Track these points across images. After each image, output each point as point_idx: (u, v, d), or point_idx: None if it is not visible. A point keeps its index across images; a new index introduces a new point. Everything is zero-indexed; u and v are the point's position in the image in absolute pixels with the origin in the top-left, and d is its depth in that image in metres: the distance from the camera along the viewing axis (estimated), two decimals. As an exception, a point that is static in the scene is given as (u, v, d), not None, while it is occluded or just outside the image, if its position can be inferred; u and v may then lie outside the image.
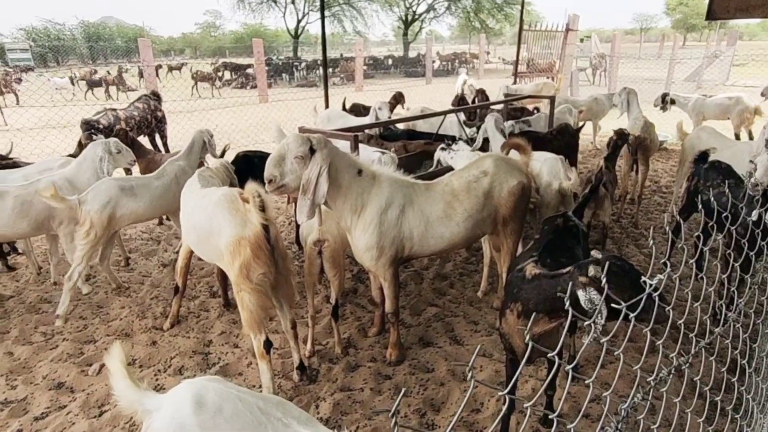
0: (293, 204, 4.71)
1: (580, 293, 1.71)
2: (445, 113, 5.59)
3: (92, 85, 19.44)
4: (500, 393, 0.94)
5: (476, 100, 7.93)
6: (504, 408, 0.96)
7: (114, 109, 6.88)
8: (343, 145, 4.12)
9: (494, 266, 3.94)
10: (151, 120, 7.60)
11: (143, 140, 6.76)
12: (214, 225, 2.80)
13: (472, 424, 2.67)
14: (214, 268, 4.63)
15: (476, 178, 3.14)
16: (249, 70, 24.41)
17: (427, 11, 36.64)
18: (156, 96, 7.92)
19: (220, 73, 22.00)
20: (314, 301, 3.22)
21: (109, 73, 21.15)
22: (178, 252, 3.83)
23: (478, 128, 5.95)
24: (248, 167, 4.30)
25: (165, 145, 8.02)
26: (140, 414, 1.54)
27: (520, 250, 3.47)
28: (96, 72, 21.59)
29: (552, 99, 6.30)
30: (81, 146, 5.32)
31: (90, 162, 4.18)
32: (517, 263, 2.41)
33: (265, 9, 35.34)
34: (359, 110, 7.64)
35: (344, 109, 7.57)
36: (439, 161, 4.47)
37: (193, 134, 4.61)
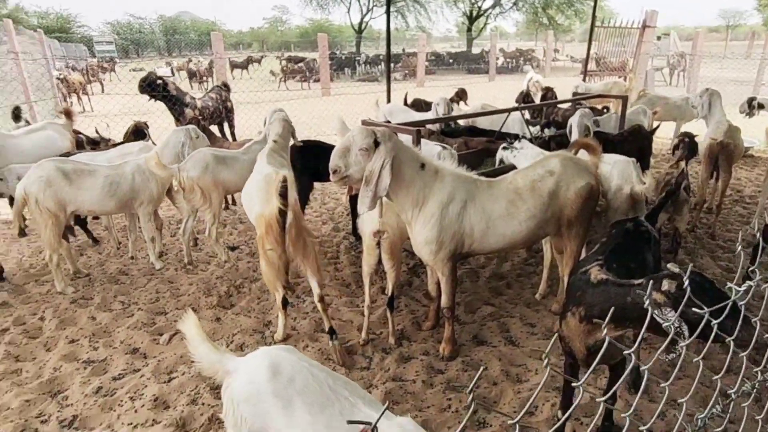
0: (351, 196, 4.85)
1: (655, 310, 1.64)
2: (508, 111, 5.48)
3: (191, 75, 20.59)
4: (574, 383, 0.93)
5: (546, 97, 7.70)
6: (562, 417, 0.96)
7: (193, 98, 7.32)
8: (405, 140, 4.16)
9: (554, 269, 3.84)
10: (222, 110, 7.98)
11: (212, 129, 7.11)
12: (252, 197, 3.30)
13: (525, 428, 2.64)
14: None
15: (541, 177, 3.07)
16: (302, 63, 24.97)
17: (493, 7, 35.91)
18: (226, 87, 8.30)
19: (291, 66, 22.54)
20: (371, 291, 3.28)
21: (198, 62, 22.37)
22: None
23: (543, 126, 5.80)
24: (306, 156, 4.48)
25: (232, 134, 8.39)
26: (221, 374, 1.65)
27: (583, 254, 3.37)
28: (191, 61, 22.81)
29: (624, 99, 6.00)
30: (127, 137, 5.77)
31: (172, 147, 4.48)
32: (581, 266, 2.34)
33: (331, 4, 35.98)
34: (420, 105, 7.64)
35: (405, 104, 7.60)
36: (501, 160, 4.41)
37: (275, 116, 4.66)
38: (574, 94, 6.97)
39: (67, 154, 4.70)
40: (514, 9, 36.14)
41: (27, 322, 3.74)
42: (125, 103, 12.20)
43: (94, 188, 4.00)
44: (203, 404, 2.83)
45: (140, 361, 3.27)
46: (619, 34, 12.76)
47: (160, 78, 6.82)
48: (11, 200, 4.44)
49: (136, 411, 2.82)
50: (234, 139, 8.07)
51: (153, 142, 5.99)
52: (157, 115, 8.93)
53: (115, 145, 5.36)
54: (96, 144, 5.62)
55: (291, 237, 3.03)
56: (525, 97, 7.68)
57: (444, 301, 3.08)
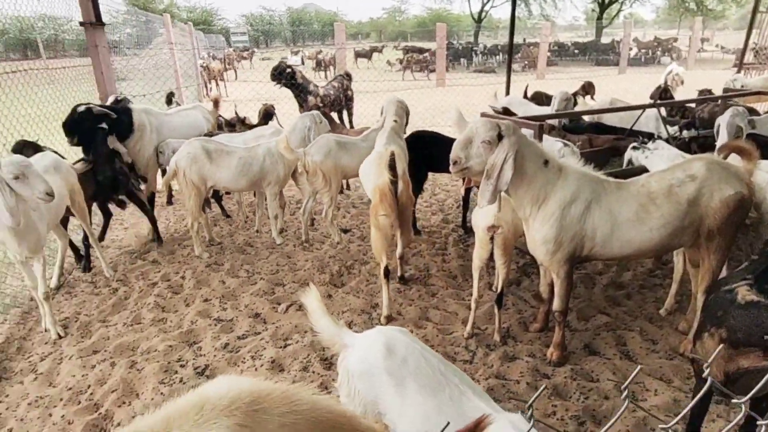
0: (464, 189, 4.84)
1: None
2: (642, 107, 5.01)
3: (318, 64, 21.93)
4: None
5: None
6: None
7: (316, 86, 7.79)
8: (526, 134, 4.02)
9: (685, 283, 3.49)
10: (342, 98, 8.37)
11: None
12: (369, 172, 3.71)
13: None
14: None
15: (681, 182, 2.79)
16: (425, 55, 25.02)
17: (631, -8, 32.81)
18: (348, 76, 8.67)
19: (414, 56, 22.79)
20: (479, 285, 3.26)
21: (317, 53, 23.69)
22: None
23: (683, 127, 5.22)
24: (421, 145, 4.56)
25: (351, 121, 8.76)
26: (337, 346, 1.77)
27: (724, 271, 3.01)
28: (321, 52, 24.25)
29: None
30: (260, 119, 6.29)
31: (299, 131, 4.83)
32: (722, 284, 2.10)
33: (453, -7, 35.55)
34: (541, 99, 7.30)
35: (525, 96, 7.31)
36: (630, 161, 4.07)
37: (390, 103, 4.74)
38: (726, 90, 6.17)
39: (209, 134, 5.28)
40: (656, -6, 32.62)
41: (171, 279, 4.30)
42: (257, 90, 13.35)
43: (230, 167, 4.46)
44: (314, 372, 3.05)
45: (261, 326, 3.61)
46: (787, 20, 10.98)
47: (289, 67, 7.37)
48: (164, 171, 5.11)
49: (256, 369, 3.12)
50: (351, 127, 8.44)
51: (279, 125, 6.50)
52: (284, 102, 9.62)
53: (251, 127, 5.91)
54: (233, 126, 6.22)
55: (401, 203, 3.46)
56: (663, 93, 6.95)
57: (557, 304, 2.96)
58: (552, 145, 4.08)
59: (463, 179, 3.07)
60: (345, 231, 5.22)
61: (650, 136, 4.49)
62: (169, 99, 7.07)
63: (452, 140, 2.82)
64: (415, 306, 3.76)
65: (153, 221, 4.98)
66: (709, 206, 2.77)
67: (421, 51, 26.27)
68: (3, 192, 2.95)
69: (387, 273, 3.55)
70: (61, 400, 2.92)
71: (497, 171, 2.60)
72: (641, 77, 17.99)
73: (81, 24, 5.43)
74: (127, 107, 4.92)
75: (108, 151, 4.52)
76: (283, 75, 7.30)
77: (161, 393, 2.95)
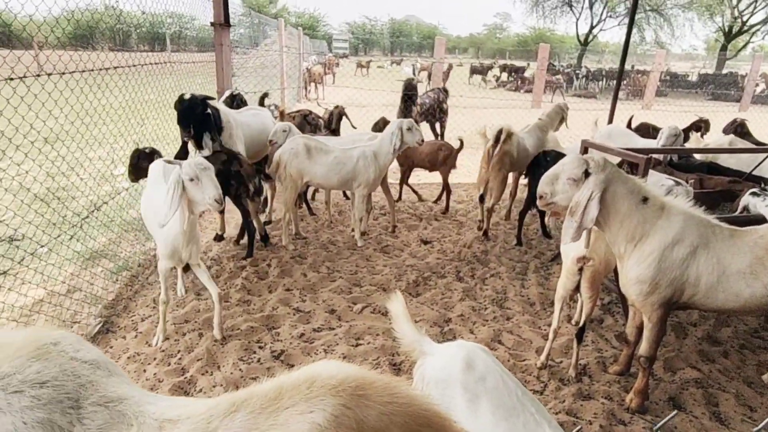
0: (521, 212, 5.29)
1: None
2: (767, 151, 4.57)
3: (430, 76, 22.14)
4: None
5: None
6: None
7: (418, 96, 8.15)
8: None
9: (798, 351, 3.12)
10: (437, 110, 8.46)
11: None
12: None
13: None
14: (462, 254, 4.96)
15: (808, 237, 2.52)
16: (526, 74, 24.50)
17: (765, 22, 29.80)
18: (445, 91, 8.75)
19: (517, 75, 22.55)
20: (560, 315, 3.15)
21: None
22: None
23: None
24: (547, 163, 4.69)
25: (442, 134, 8.82)
26: (416, 353, 1.82)
27: None
28: (433, 64, 24.68)
29: None
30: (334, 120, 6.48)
31: (388, 137, 4.96)
32: None
33: (558, 14, 34.53)
34: (647, 131, 6.88)
35: (629, 127, 6.93)
36: (746, 207, 3.73)
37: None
38: None
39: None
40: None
41: (258, 266, 4.60)
42: (350, 95, 13.88)
43: (325, 164, 4.69)
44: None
45: (336, 321, 3.75)
46: None
47: (415, 82, 7.72)
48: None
49: (327, 362, 3.25)
50: (442, 139, 8.49)
51: (352, 125, 6.73)
52: (375, 108, 9.91)
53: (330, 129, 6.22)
54: (333, 132, 6.47)
55: (494, 162, 5.00)
56: (738, 127, 6.26)
57: (644, 348, 2.78)
58: (660, 182, 3.86)
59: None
60: (426, 242, 5.26)
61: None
62: (262, 100, 7.22)
63: None
64: (488, 327, 3.70)
65: (249, 233, 4.72)
66: (839, 269, 2.47)
67: (518, 70, 25.81)
68: (176, 193, 2.88)
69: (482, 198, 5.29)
70: (155, 359, 3.24)
71: (582, 209, 2.54)
72: (767, 116, 16.26)
73: (211, 24, 5.99)
74: (209, 96, 4.68)
75: (220, 144, 4.54)
76: (413, 90, 7.72)
77: (240, 369, 3.17)
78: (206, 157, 4.22)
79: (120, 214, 4.73)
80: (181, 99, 4.34)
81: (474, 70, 25.08)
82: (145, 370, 3.13)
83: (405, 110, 7.83)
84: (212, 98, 4.56)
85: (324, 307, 3.92)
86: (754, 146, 4.81)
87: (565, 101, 7.70)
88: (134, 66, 4.59)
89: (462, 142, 6.09)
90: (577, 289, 3.03)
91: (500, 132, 4.98)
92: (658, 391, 3.10)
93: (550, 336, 3.20)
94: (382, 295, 4.08)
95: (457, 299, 4.10)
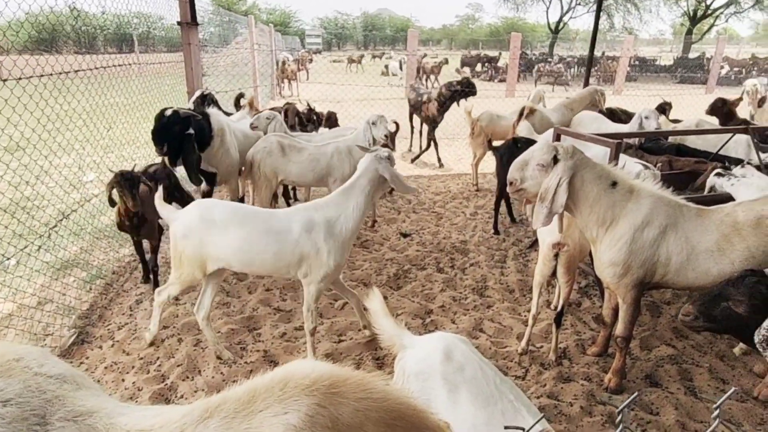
0: (497, 197, 5.39)
1: None
2: (732, 131, 4.70)
3: (418, 71, 21.78)
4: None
5: None
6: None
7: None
8: (602, 152, 3.90)
9: (766, 323, 3.23)
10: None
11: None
12: None
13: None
14: (441, 244, 4.99)
15: (773, 213, 2.60)
16: (500, 63, 24.67)
17: (726, 5, 30.57)
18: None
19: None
20: (538, 301, 3.19)
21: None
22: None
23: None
24: (519, 150, 4.62)
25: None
26: (397, 346, 1.82)
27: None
28: (426, 56, 24.43)
29: None
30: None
31: (361, 132, 4.95)
32: None
33: (530, 2, 34.84)
34: (618, 115, 7.00)
35: (601, 112, 7.04)
36: (712, 187, 3.83)
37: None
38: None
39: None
40: (757, 8, 30.21)
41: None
42: (323, 91, 13.78)
43: (299, 162, 4.64)
44: (365, 369, 3.12)
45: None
46: None
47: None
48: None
49: (310, 360, 3.24)
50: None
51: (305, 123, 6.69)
52: (349, 104, 9.87)
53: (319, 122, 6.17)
54: (305, 126, 6.42)
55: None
56: (722, 106, 6.42)
57: (620, 329, 2.85)
58: (631, 166, 3.93)
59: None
60: (405, 235, 5.27)
61: (739, 162, 4.20)
62: (238, 101, 7.04)
63: None
64: (469, 316, 3.74)
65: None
66: (801, 242, 2.56)
67: (491, 60, 26.00)
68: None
69: None
70: (133, 367, 3.18)
71: (551, 194, 2.58)
72: (731, 98, 16.73)
73: (178, 23, 5.86)
74: (204, 112, 4.48)
75: (199, 160, 4.25)
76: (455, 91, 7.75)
77: (221, 373, 3.13)
78: (186, 168, 4.12)
79: (91, 221, 4.61)
80: (161, 114, 4.01)
81: (464, 63, 25.42)
82: (123, 380, 3.07)
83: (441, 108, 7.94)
84: (198, 116, 4.22)
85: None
86: (720, 127, 4.94)
87: (537, 89, 7.85)
88: (96, 69, 4.45)
89: (398, 125, 6.68)
90: (554, 274, 3.08)
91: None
92: (635, 370, 3.18)
93: (530, 322, 3.25)
94: (363, 290, 4.08)
95: (438, 290, 4.12)
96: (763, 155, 4.47)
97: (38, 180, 4.48)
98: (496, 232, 5.34)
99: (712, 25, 32.42)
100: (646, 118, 5.16)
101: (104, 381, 3.06)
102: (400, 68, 21.68)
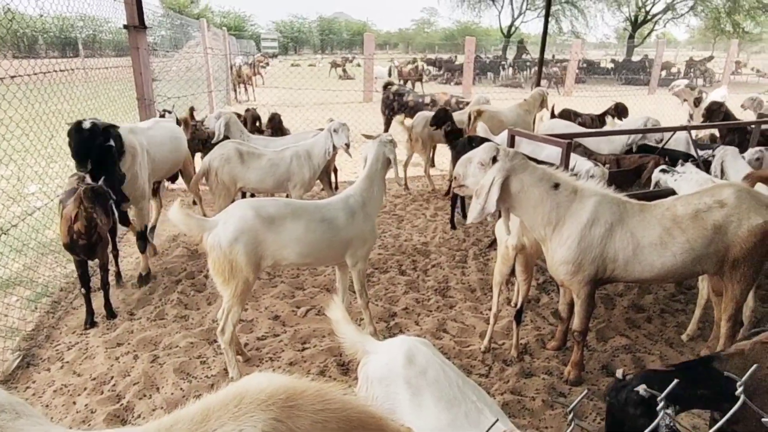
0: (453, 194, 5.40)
1: None
2: (674, 129, 4.97)
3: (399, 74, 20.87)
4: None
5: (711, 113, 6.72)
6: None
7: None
8: (554, 152, 4.03)
9: (709, 310, 3.43)
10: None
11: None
12: None
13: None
14: (403, 247, 5.02)
15: (708, 207, 2.76)
16: (455, 64, 25.06)
17: (664, 11, 32.34)
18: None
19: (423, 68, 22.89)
20: (498, 300, 3.26)
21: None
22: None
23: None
24: (472, 147, 4.66)
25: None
26: (360, 353, 1.82)
27: (751, 301, 2.96)
28: (414, 62, 24.11)
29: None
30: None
31: (323, 138, 4.92)
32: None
33: (483, 7, 35.67)
34: (569, 117, 7.27)
35: (553, 115, 7.30)
36: (657, 183, 4.04)
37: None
38: (760, 115, 6.06)
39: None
40: (691, 14, 32.07)
41: (195, 278, 4.41)
42: (280, 95, 13.62)
43: (258, 168, 4.56)
44: (330, 377, 3.09)
45: (280, 328, 3.67)
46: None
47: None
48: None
49: (273, 370, 3.18)
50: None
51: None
52: (307, 108, 9.80)
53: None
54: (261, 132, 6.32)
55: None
56: (709, 115, 6.73)
57: (576, 323, 2.95)
58: (581, 164, 4.09)
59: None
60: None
61: (686, 157, 4.45)
62: (191, 113, 6.54)
63: None
64: (432, 317, 3.77)
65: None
66: (736, 234, 2.73)
67: (446, 62, 26.45)
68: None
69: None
70: (85, 389, 3.02)
71: (485, 192, 2.67)
72: (670, 98, 17.72)
73: (125, 27, 5.64)
74: (113, 125, 3.93)
75: (124, 176, 3.89)
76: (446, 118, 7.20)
77: (181, 389, 3.03)
78: (108, 183, 3.45)
79: (34, 236, 4.35)
80: (78, 127, 3.58)
81: (447, 68, 25.76)
82: (75, 402, 2.92)
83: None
84: (116, 126, 3.89)
85: (267, 314, 3.83)
86: (664, 127, 5.20)
87: (539, 89, 7.43)
88: (36, 74, 4.22)
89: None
90: (513, 273, 3.15)
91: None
92: (592, 361, 3.30)
93: (491, 320, 3.31)
94: (325, 296, 4.05)
95: (401, 293, 4.14)
96: (702, 152, 4.75)
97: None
98: (453, 227, 5.46)
99: (652, 30, 34.20)
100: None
101: (53, 405, 2.89)
102: (389, 74, 21.20)
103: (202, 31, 12.89)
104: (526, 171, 2.75)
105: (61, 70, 4.77)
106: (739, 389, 0.92)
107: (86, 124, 3.60)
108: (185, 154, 5.14)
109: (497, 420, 1.26)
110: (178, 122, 5.37)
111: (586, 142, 5.23)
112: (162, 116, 5.72)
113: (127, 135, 4.07)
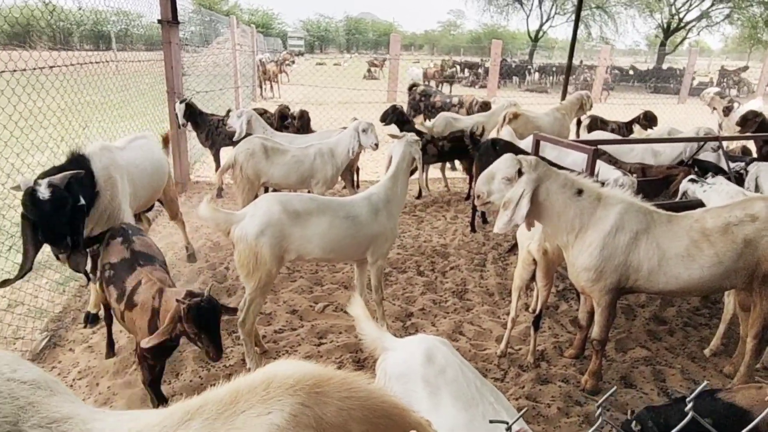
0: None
1: None
2: (704, 140, 4.86)
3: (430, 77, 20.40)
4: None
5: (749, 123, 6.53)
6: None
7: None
8: (579, 159, 3.98)
9: (734, 326, 3.35)
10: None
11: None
12: None
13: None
14: (422, 248, 5.02)
15: (739, 220, 2.70)
16: (480, 70, 24.93)
17: (698, 19, 31.54)
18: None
19: (452, 70, 22.87)
20: (517, 305, 3.24)
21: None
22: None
23: (748, 164, 5.01)
24: (498, 153, 4.59)
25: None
26: (379, 349, 1.83)
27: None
28: (452, 62, 24.16)
29: None
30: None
31: (347, 136, 4.95)
32: None
33: (511, 10, 35.36)
34: (596, 124, 7.17)
35: (579, 123, 7.20)
36: (685, 193, 3.95)
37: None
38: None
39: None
40: (727, 22, 31.20)
41: (216, 269, 4.49)
42: (305, 93, 13.73)
43: (282, 164, 4.62)
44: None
45: (297, 322, 3.71)
46: None
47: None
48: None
49: (290, 364, 3.22)
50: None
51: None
52: (331, 106, 9.86)
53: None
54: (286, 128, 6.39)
55: None
56: (743, 123, 6.53)
57: (596, 332, 2.91)
58: (608, 173, 4.03)
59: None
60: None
61: (717, 169, 4.34)
62: (227, 115, 5.93)
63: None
64: (449, 319, 3.77)
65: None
66: (767, 249, 2.66)
67: (473, 66, 26.31)
68: None
69: None
70: (108, 372, 3.10)
71: (513, 205, 2.64)
72: (702, 108, 17.29)
73: (159, 21, 5.78)
74: (82, 155, 3.03)
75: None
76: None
77: (199, 376, 3.09)
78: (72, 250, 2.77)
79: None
80: (32, 197, 2.52)
81: (468, 66, 25.95)
82: (98, 384, 3.00)
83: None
84: (79, 172, 2.83)
85: (285, 308, 3.87)
86: (691, 136, 5.08)
87: (581, 93, 7.32)
88: (72, 65, 4.35)
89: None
90: (532, 278, 3.13)
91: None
92: (610, 372, 3.25)
93: (509, 325, 3.29)
94: (343, 293, 4.08)
95: (419, 293, 4.15)
96: (734, 164, 4.63)
97: (9, 178, 4.35)
98: (473, 230, 5.44)
99: (684, 38, 33.41)
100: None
101: (77, 386, 2.98)
102: (424, 76, 20.43)
103: (231, 28, 13.07)
104: (551, 179, 2.73)
105: (95, 63, 4.90)
106: (689, 405, 0.92)
107: (43, 193, 2.53)
108: (166, 178, 4.14)
109: (524, 411, 1.26)
110: (187, 116, 5.51)
111: (613, 150, 5.14)
112: (182, 102, 5.90)
113: (100, 167, 3.11)
